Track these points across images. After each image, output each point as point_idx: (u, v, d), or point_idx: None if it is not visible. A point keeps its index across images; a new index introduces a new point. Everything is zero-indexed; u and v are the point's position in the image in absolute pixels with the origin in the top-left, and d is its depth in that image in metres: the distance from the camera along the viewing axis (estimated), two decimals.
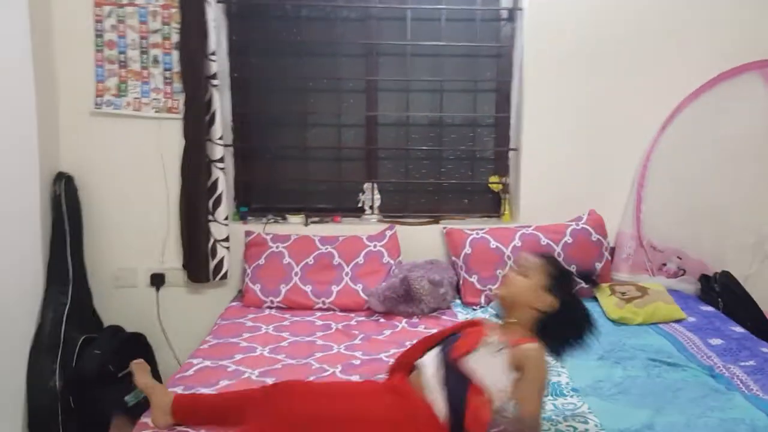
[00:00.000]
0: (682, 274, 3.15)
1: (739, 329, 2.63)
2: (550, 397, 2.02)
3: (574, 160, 3.21)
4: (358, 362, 2.28)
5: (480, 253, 3.02)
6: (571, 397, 2.04)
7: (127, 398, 2.76)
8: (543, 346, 1.75)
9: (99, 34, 2.95)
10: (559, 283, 1.84)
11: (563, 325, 1.80)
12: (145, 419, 1.87)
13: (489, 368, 1.71)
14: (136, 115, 3.01)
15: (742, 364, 2.28)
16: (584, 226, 3.10)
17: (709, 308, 2.89)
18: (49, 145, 2.92)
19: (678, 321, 2.73)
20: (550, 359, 1.77)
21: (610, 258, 3.12)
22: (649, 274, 3.16)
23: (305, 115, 3.31)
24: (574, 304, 1.85)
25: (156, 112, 3.02)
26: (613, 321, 2.73)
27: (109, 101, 2.99)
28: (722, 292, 2.97)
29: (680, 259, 3.16)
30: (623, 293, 2.83)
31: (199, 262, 3.05)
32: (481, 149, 3.40)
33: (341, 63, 3.27)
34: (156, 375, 3.00)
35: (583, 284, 2.07)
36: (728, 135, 3.11)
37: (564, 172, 3.22)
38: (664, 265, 3.18)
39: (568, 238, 3.04)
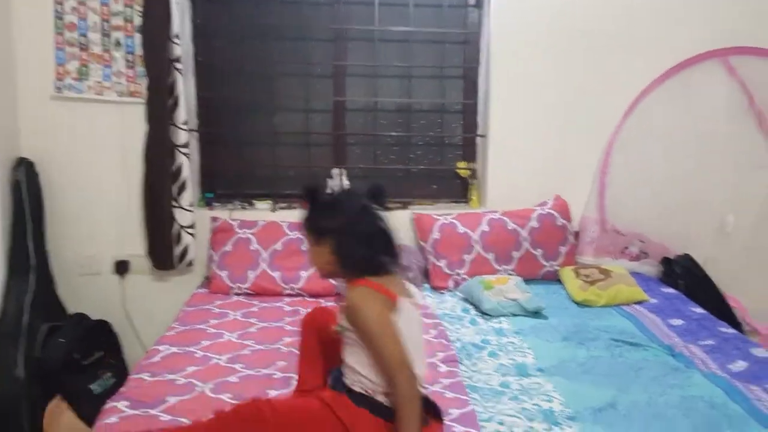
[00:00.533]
0: (645, 258, 3.23)
1: (698, 310, 2.70)
2: (515, 377, 2.06)
3: (540, 146, 3.25)
4: None
5: (448, 238, 3.04)
6: (537, 376, 2.07)
7: (92, 386, 2.74)
8: (359, 285, 1.63)
9: (59, 17, 2.87)
10: (316, 225, 1.71)
11: (351, 247, 1.66)
12: (112, 404, 1.83)
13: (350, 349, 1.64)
14: (98, 99, 2.95)
15: (701, 343, 2.35)
16: (550, 211, 3.14)
17: (670, 290, 2.97)
18: (9, 130, 2.84)
19: (640, 302, 2.80)
20: (374, 296, 1.61)
21: (574, 242, 3.18)
22: (613, 257, 3.23)
23: (272, 101, 3.28)
24: (347, 226, 1.68)
25: (118, 96, 2.96)
26: (578, 303, 2.79)
27: (70, 85, 2.92)
28: (683, 275, 3.05)
29: (642, 242, 3.23)
30: (587, 276, 2.89)
31: (163, 249, 3.01)
32: (449, 135, 3.41)
33: (308, 48, 3.25)
34: (122, 363, 2.98)
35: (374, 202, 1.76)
36: (690, 122, 3.18)
37: (530, 158, 3.26)
38: (627, 248, 3.25)
39: (534, 223, 3.08)
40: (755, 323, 3.05)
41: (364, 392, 1.62)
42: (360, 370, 1.62)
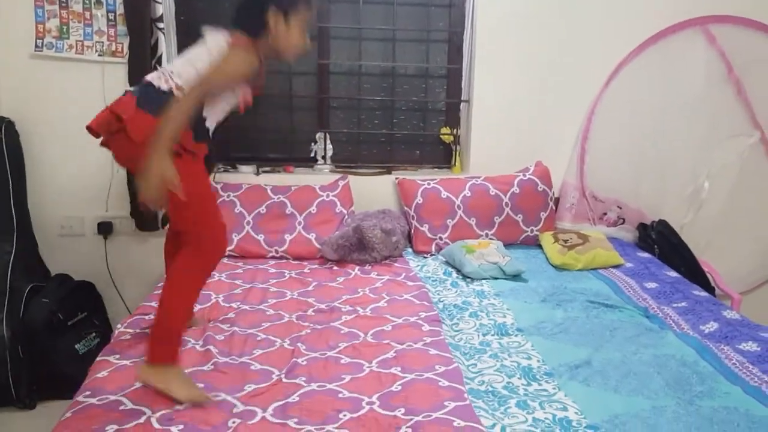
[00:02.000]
0: (622, 223, 3.30)
1: (673, 274, 2.78)
2: (495, 336, 2.12)
3: (522, 113, 3.28)
4: (311, 312, 2.32)
5: (431, 203, 3.08)
6: (516, 336, 2.14)
7: (77, 346, 2.76)
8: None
9: None
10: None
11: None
12: (102, 357, 1.86)
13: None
14: (79, 59, 2.91)
15: (675, 305, 2.43)
16: (531, 177, 3.19)
17: (646, 255, 3.05)
18: None
19: (616, 266, 2.88)
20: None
21: (554, 207, 3.23)
22: (591, 222, 3.30)
23: None
24: None
25: (99, 55, 2.92)
26: (556, 266, 2.86)
27: (50, 43, 2.87)
28: (658, 240, 3.13)
29: (620, 208, 3.30)
30: (566, 241, 2.95)
31: (147, 211, 3.01)
32: (432, 100, 3.43)
33: None
34: (106, 323, 2.99)
35: None
36: (669, 90, 3.22)
37: (513, 124, 3.29)
38: (605, 214, 3.32)
39: (515, 189, 3.13)
40: (727, 288, 3.15)
41: None
42: None
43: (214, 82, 1.81)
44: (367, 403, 1.66)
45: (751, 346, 2.05)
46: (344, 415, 1.61)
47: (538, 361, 1.96)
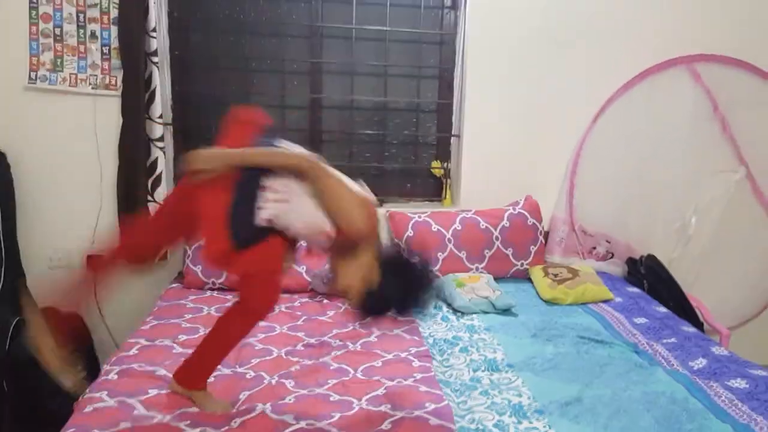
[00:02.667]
0: (611, 257, 3.32)
1: (662, 309, 2.79)
2: (486, 372, 2.12)
3: (512, 147, 3.32)
4: (301, 346, 2.30)
5: (421, 236, 3.09)
6: (506, 372, 2.13)
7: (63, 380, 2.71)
8: None
9: (33, 7, 2.83)
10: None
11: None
12: (89, 394, 1.84)
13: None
14: (72, 91, 2.92)
15: (664, 341, 2.44)
16: (521, 210, 3.21)
17: (635, 289, 3.06)
18: None
19: (606, 301, 2.88)
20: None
21: (544, 241, 3.25)
22: (581, 257, 3.32)
23: (248, 96, 3.29)
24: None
25: (93, 88, 2.94)
26: (546, 301, 2.86)
27: (44, 76, 2.88)
28: (647, 275, 3.15)
29: (609, 243, 3.32)
30: (556, 275, 2.96)
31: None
32: (423, 135, 3.46)
33: (285, 44, 3.26)
34: (92, 356, 2.96)
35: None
36: (656, 126, 3.28)
37: (503, 158, 3.32)
38: (594, 248, 3.34)
39: (505, 222, 3.15)
40: (716, 323, 3.16)
41: None
42: None
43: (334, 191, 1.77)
44: None
45: (740, 383, 2.05)
46: None
47: (529, 397, 1.96)
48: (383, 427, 1.72)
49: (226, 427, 1.70)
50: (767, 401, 1.93)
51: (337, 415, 1.79)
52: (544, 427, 1.79)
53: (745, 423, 1.83)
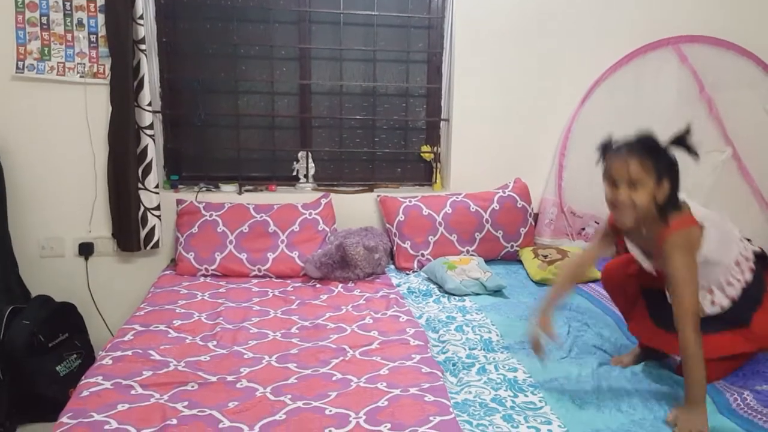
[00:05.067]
0: None
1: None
2: (482, 352, 2.15)
3: (501, 130, 3.34)
4: (296, 329, 2.33)
5: (413, 220, 3.11)
6: (502, 352, 2.16)
7: (58, 368, 2.74)
8: (682, 227, 1.78)
9: None
10: (664, 164, 1.79)
11: (677, 182, 1.81)
12: (85, 380, 1.85)
13: None
14: (61, 80, 2.91)
15: None
16: (510, 193, 3.24)
17: None
18: None
19: (595, 281, 2.91)
20: (691, 242, 1.79)
21: (533, 223, 3.29)
22: (570, 238, 3.35)
23: (237, 83, 3.28)
24: (677, 168, 1.81)
25: (81, 77, 2.93)
26: (536, 282, 2.90)
27: (31, 65, 2.87)
28: None
29: (597, 224, 3.36)
30: (545, 256, 3.00)
31: (129, 231, 3.00)
32: (413, 119, 3.48)
33: (273, 30, 3.25)
34: (87, 344, 2.97)
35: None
36: (643, 108, 3.30)
37: (492, 142, 3.35)
38: (583, 229, 3.38)
39: (495, 205, 3.17)
40: None
41: None
42: None
43: None
44: (354, 419, 1.67)
45: None
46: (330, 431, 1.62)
47: (524, 372, 1.99)
48: (380, 404, 1.75)
49: (224, 408, 1.72)
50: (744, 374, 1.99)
51: (334, 394, 1.81)
52: (540, 401, 1.82)
53: (720, 389, 1.90)
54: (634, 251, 1.99)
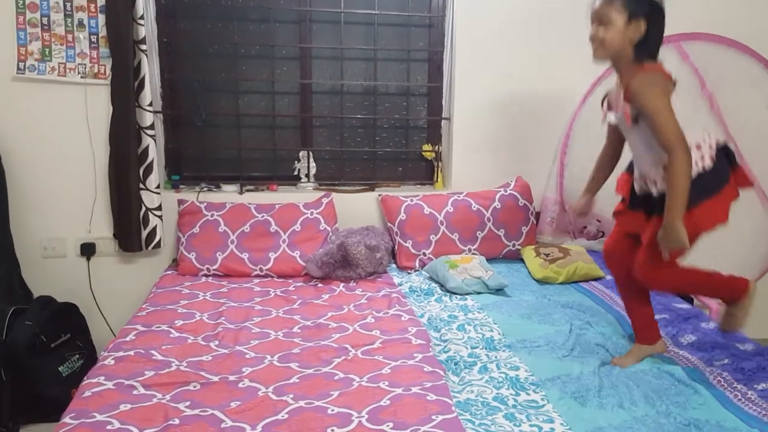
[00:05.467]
0: (601, 236, 3.35)
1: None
2: (484, 350, 2.15)
3: (502, 129, 3.34)
4: (298, 329, 2.33)
5: (414, 219, 3.11)
6: (504, 351, 2.16)
7: (60, 368, 2.74)
8: (650, 70, 1.88)
9: None
10: (639, 5, 1.89)
11: (658, 31, 1.94)
12: (88, 380, 1.85)
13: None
14: (61, 81, 2.91)
15: (657, 317, 2.47)
16: (512, 191, 3.24)
17: None
18: None
19: (597, 279, 2.92)
20: (662, 80, 1.89)
21: (535, 221, 3.28)
22: (571, 236, 3.35)
23: (237, 82, 3.28)
24: (659, 11, 1.95)
25: (82, 77, 2.93)
26: (538, 280, 2.90)
27: (32, 66, 2.87)
28: None
29: (599, 222, 3.35)
30: (547, 254, 3.00)
31: (130, 232, 3.00)
32: (414, 118, 3.47)
33: (274, 29, 3.25)
34: (90, 344, 2.97)
35: None
36: None
37: (493, 140, 3.35)
38: (585, 227, 3.37)
39: (497, 204, 3.17)
40: (705, 299, 3.20)
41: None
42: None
43: None
44: (356, 418, 1.67)
45: (724, 361, 2.09)
46: (332, 431, 1.62)
47: (526, 370, 1.99)
48: (382, 403, 1.75)
49: (226, 408, 1.72)
50: (750, 371, 1.99)
51: (337, 393, 1.81)
52: (542, 399, 1.82)
53: (721, 390, 1.90)
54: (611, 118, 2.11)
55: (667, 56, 3.25)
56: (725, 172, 1.96)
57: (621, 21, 1.88)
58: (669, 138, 1.81)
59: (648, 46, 1.91)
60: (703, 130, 1.99)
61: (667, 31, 3.23)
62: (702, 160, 1.92)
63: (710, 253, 3.34)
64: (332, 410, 1.72)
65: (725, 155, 1.98)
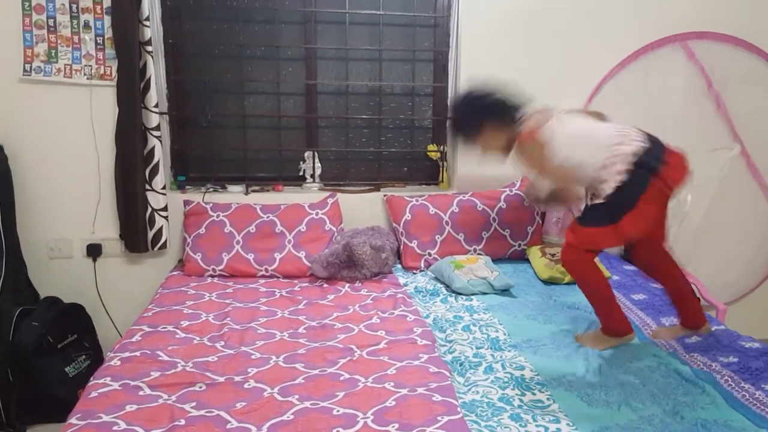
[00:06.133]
0: None
1: (659, 285, 2.81)
2: (490, 351, 2.14)
3: None
4: (303, 329, 2.33)
5: (419, 219, 3.11)
6: (509, 351, 2.16)
7: (67, 369, 2.75)
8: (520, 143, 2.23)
9: None
10: (471, 125, 2.33)
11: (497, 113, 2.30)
12: (94, 381, 1.86)
13: None
14: (68, 82, 2.93)
15: (663, 319, 2.46)
16: (517, 191, 3.23)
17: (632, 267, 3.08)
18: None
19: None
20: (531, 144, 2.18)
21: (541, 222, 3.27)
22: None
23: (243, 83, 3.29)
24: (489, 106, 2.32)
25: (88, 78, 2.94)
26: (544, 281, 2.89)
27: (38, 67, 2.88)
28: None
29: None
30: (553, 255, 2.99)
31: (136, 232, 3.02)
32: (419, 118, 3.47)
33: (279, 30, 3.26)
34: (96, 345, 2.98)
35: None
36: (650, 105, 3.28)
37: None
38: None
39: (502, 204, 3.17)
40: (712, 299, 3.19)
41: None
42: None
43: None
44: (362, 419, 1.67)
45: (731, 359, 2.08)
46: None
47: (531, 370, 1.99)
48: (388, 404, 1.75)
49: (232, 409, 1.73)
50: (758, 371, 1.98)
51: (342, 394, 1.81)
52: (548, 399, 1.82)
53: (729, 389, 1.89)
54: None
55: (674, 55, 3.28)
56: (643, 180, 2.06)
57: (480, 140, 2.32)
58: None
59: (507, 130, 2.28)
60: (611, 146, 2.12)
61: (673, 30, 3.26)
62: (612, 177, 2.05)
63: (717, 253, 3.37)
64: (338, 411, 1.72)
65: (648, 159, 2.10)
